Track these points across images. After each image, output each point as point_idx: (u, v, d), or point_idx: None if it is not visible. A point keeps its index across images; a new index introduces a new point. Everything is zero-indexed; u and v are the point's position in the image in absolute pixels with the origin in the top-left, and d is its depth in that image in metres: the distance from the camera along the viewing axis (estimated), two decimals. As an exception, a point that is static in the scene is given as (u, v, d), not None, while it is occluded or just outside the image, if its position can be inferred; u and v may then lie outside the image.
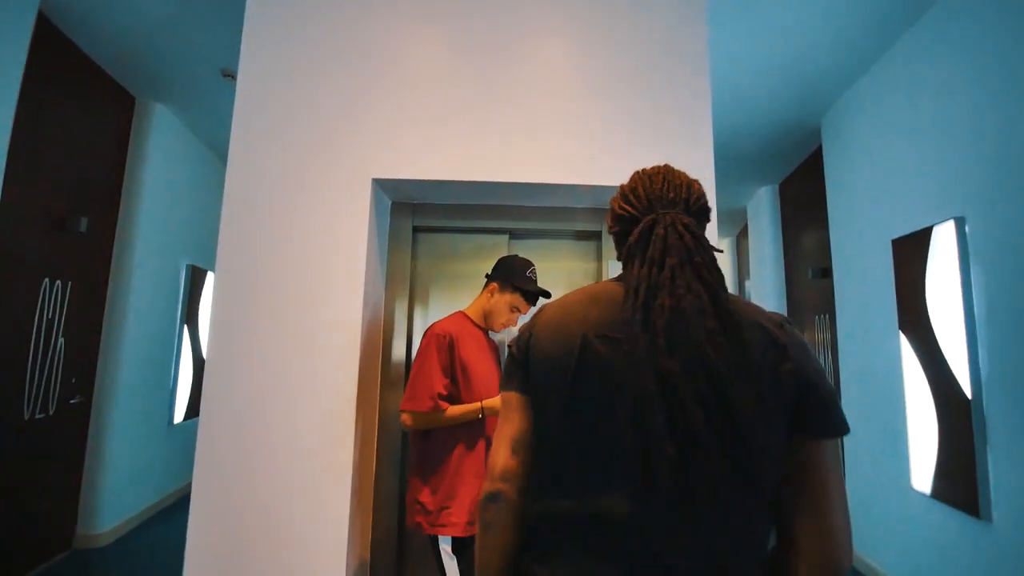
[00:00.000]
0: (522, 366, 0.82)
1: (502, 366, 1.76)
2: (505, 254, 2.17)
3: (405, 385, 1.75)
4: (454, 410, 1.59)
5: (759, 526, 0.70)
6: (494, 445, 0.83)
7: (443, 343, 1.62)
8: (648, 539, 0.68)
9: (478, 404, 1.60)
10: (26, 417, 2.75)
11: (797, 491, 0.70)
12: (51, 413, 2.94)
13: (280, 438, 1.70)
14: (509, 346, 0.86)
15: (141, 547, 3.30)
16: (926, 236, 2.51)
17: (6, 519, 2.66)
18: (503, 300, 1.71)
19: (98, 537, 3.24)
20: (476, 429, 1.64)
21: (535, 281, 1.75)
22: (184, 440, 4.20)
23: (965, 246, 2.30)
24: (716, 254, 0.77)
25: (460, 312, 1.78)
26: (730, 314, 0.70)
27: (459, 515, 1.55)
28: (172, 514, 3.87)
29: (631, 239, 0.79)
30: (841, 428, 0.72)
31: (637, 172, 0.87)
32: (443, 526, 1.54)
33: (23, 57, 2.51)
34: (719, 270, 0.75)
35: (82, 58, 3.06)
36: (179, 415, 4.19)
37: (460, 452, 1.60)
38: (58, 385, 2.98)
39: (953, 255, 2.33)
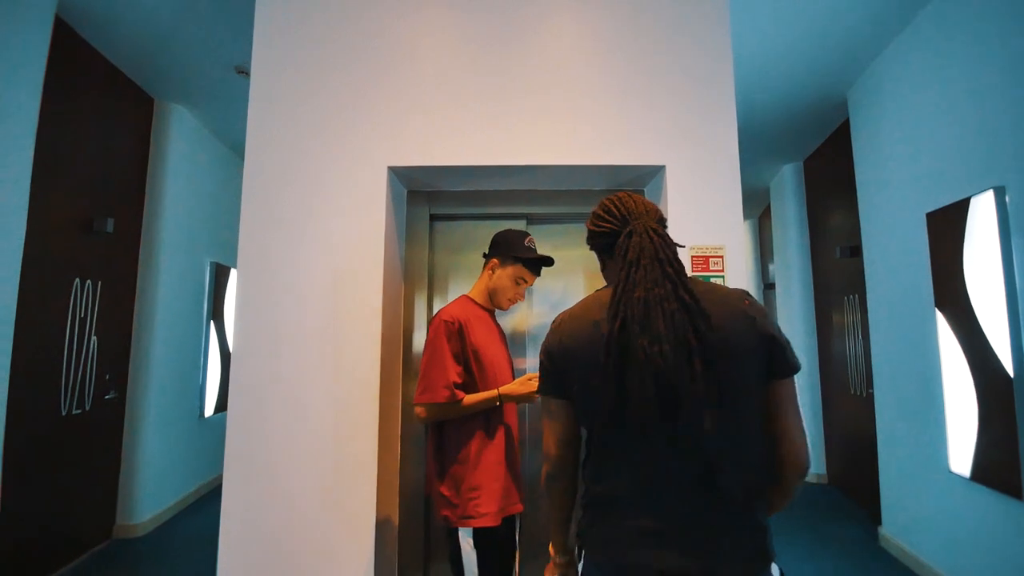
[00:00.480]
0: (555, 373, 0.98)
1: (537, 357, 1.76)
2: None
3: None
4: (471, 399, 1.53)
5: (757, 448, 0.91)
6: (545, 439, 1.03)
7: (452, 330, 1.54)
8: (676, 479, 0.88)
9: (495, 392, 1.54)
10: (64, 413, 2.85)
11: (770, 419, 0.92)
12: (87, 409, 3.03)
13: (305, 430, 1.72)
14: (541, 359, 1.01)
15: (178, 536, 3.41)
16: (963, 208, 2.39)
17: (50, 510, 2.77)
18: (506, 274, 1.63)
19: (136, 527, 3.35)
20: (494, 418, 1.58)
21: (535, 249, 1.67)
22: (215, 433, 4.31)
23: (1005, 217, 2.19)
24: (679, 248, 0.96)
25: (464, 296, 1.70)
26: (691, 295, 0.88)
27: (488, 505, 1.49)
28: (207, 503, 3.99)
29: (617, 249, 0.96)
30: (796, 366, 0.93)
31: (604, 199, 1.04)
32: (472, 517, 1.48)
33: (43, 62, 2.55)
34: (679, 262, 0.93)
35: (101, 61, 3.11)
36: (209, 409, 4.29)
37: (479, 442, 1.54)
38: (93, 381, 3.08)
39: (993, 227, 2.22)
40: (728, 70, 1.86)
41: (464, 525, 1.48)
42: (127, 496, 3.37)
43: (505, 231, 1.69)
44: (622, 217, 0.98)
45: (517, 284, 1.64)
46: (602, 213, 1.02)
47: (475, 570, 1.47)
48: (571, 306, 1.03)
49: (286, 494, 1.69)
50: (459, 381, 1.52)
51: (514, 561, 1.62)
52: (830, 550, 3.16)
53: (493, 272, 1.65)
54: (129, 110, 3.45)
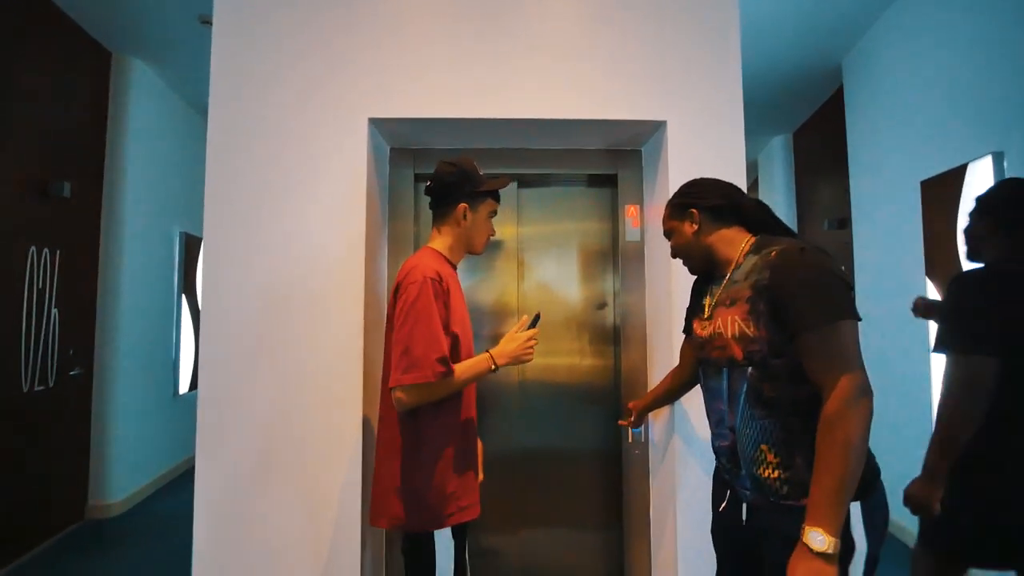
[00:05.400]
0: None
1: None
2: (514, 203, 2.03)
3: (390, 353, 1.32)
4: (462, 370, 1.27)
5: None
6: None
7: (440, 289, 1.27)
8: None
9: (487, 355, 1.29)
10: (25, 389, 2.68)
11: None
12: (51, 385, 2.87)
13: (281, 408, 1.61)
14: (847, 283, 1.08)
15: (154, 515, 3.31)
16: (960, 175, 2.35)
17: (18, 490, 2.63)
18: (481, 214, 1.42)
19: (111, 506, 3.24)
20: (467, 395, 1.38)
21: (484, 173, 1.45)
22: (191, 411, 4.17)
23: (1004, 183, 2.15)
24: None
25: (430, 249, 1.42)
26: None
27: (473, 495, 1.36)
28: (186, 482, 3.87)
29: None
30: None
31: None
32: (459, 512, 1.31)
33: (-18, 4, 2.31)
34: None
35: (53, 10, 2.84)
36: (184, 386, 4.14)
37: (463, 427, 1.36)
38: (56, 356, 2.90)
39: (991, 193, 2.18)
40: (734, 21, 1.75)
41: (452, 523, 1.31)
42: (99, 475, 3.24)
43: (452, 164, 1.40)
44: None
45: (490, 218, 1.45)
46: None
47: (463, 559, 1.39)
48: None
49: (262, 476, 1.59)
50: (448, 354, 1.26)
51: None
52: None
53: (465, 217, 1.39)
54: (85, 64, 3.18)
